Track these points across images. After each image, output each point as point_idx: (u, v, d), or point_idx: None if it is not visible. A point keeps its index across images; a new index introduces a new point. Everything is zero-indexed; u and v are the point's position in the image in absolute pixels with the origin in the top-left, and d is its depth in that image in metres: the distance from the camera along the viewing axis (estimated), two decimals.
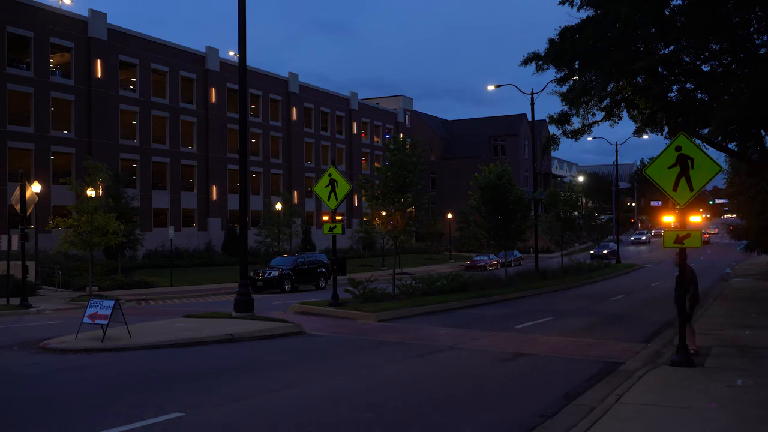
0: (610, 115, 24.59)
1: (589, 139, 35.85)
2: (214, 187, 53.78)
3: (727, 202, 71.09)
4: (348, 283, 22.49)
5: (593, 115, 24.26)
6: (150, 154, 48.63)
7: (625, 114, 25.31)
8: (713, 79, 21.01)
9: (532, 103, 36.55)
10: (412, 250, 64.39)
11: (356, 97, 72.20)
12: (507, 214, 30.85)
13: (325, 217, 36.72)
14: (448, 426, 8.00)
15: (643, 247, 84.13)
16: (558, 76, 23.66)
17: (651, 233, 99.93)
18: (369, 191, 24.93)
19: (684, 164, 10.91)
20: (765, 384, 9.49)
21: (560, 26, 22.37)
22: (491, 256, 52.52)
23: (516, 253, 55.07)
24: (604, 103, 24.13)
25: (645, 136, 28.32)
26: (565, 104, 23.25)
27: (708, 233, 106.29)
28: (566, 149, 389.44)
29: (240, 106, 18.57)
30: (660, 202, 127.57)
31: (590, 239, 57.78)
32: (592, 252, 61.08)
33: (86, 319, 14.26)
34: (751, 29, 20.69)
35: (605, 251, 60.00)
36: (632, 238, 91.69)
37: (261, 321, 17.22)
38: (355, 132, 71.56)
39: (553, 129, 25.78)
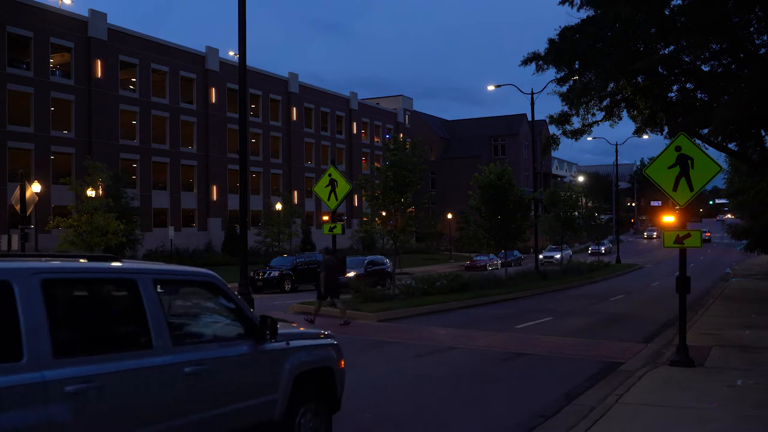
0: (610, 115, 24.60)
1: (589, 139, 35.85)
2: (214, 187, 53.78)
3: (727, 202, 71.13)
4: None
5: (593, 115, 24.28)
6: (150, 154, 48.62)
7: (625, 114, 25.32)
8: (713, 79, 21.02)
9: (532, 103, 36.53)
10: (412, 250, 64.37)
11: (356, 97, 72.18)
12: (507, 214, 30.83)
13: (325, 217, 36.43)
14: (448, 425, 8.01)
15: (655, 241, 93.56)
16: (558, 76, 23.68)
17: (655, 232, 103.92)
18: (369, 191, 24.92)
19: (684, 164, 10.90)
20: (765, 384, 9.48)
21: (560, 26, 22.40)
22: (491, 256, 52.41)
23: (516, 252, 55.02)
24: (604, 103, 24.14)
25: (645, 136, 28.34)
26: (565, 104, 23.27)
27: (716, 220, 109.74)
28: (566, 149, 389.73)
29: (240, 106, 18.54)
30: (660, 202, 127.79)
31: (590, 239, 57.94)
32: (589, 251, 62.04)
33: None
34: (751, 29, 20.70)
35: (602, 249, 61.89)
36: (645, 234, 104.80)
37: None
38: (355, 132, 71.54)
39: (553, 129, 25.79)
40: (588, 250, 67.13)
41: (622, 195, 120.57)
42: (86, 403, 4.26)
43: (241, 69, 18.11)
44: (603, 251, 61.42)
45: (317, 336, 6.82)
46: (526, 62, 23.18)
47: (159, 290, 5.09)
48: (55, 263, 4.70)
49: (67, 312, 4.58)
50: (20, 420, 3.89)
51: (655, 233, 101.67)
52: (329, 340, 6.85)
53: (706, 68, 21.84)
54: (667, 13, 20.07)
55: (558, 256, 52.64)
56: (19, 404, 3.91)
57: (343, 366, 6.90)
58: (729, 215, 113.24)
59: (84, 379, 4.26)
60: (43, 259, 4.75)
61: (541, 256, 54.11)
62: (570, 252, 55.45)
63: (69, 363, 4.25)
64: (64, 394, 4.14)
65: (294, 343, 6.23)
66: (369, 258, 34.16)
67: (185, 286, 5.79)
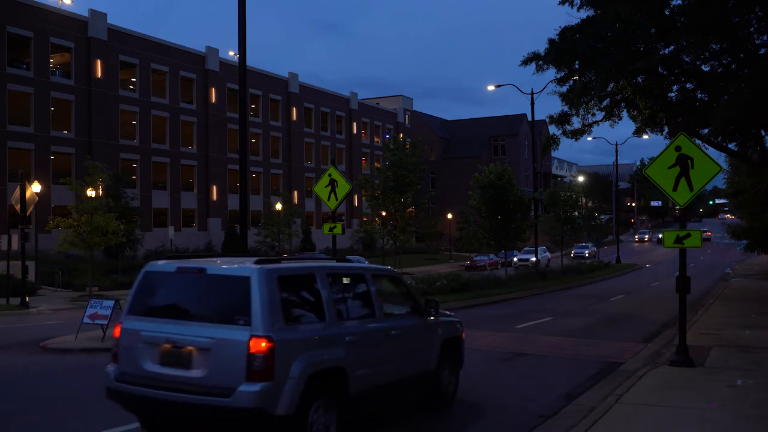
0: (610, 115, 24.60)
1: (589, 139, 35.85)
2: (214, 187, 53.77)
3: (727, 202, 71.02)
4: None
5: (593, 115, 24.29)
6: (150, 154, 48.61)
7: (625, 114, 25.33)
8: (713, 79, 21.02)
9: (532, 103, 36.51)
10: (412, 250, 64.30)
11: (356, 97, 72.15)
12: (507, 214, 30.84)
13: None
14: (448, 425, 8.01)
15: (646, 245, 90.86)
16: (558, 76, 23.69)
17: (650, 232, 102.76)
18: (369, 191, 24.95)
19: (684, 164, 10.89)
20: (765, 384, 9.49)
21: (560, 26, 22.43)
22: (491, 256, 52.04)
23: (516, 252, 53.60)
24: (604, 103, 24.14)
25: (645, 136, 28.35)
26: (565, 104, 23.27)
27: (718, 219, 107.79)
28: (566, 149, 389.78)
29: (240, 106, 18.53)
30: (660, 202, 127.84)
31: (590, 239, 57.70)
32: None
33: (86, 320, 14.25)
34: (751, 29, 20.70)
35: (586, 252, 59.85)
36: (636, 237, 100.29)
37: None
38: (355, 132, 71.52)
39: (553, 129, 25.79)
40: (571, 253, 60.81)
41: (622, 195, 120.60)
42: (353, 348, 6.78)
43: (241, 69, 18.12)
44: (587, 255, 58.28)
45: (450, 315, 9.38)
46: (526, 62, 23.19)
47: (374, 280, 7.73)
48: (329, 263, 7.46)
49: (338, 292, 7.12)
50: (328, 355, 6.46)
51: (647, 236, 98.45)
52: (457, 318, 9.42)
53: (706, 68, 21.84)
54: (667, 13, 20.07)
55: (533, 258, 44.68)
56: (327, 346, 6.52)
57: (464, 337, 9.34)
58: (729, 215, 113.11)
59: (353, 334, 6.89)
60: (319, 260, 7.57)
61: (515, 259, 51.00)
62: (549, 255, 50.52)
63: (345, 324, 6.90)
64: (345, 341, 6.73)
65: (440, 319, 8.68)
66: (346, 258, 33.79)
67: (382, 278, 8.25)
